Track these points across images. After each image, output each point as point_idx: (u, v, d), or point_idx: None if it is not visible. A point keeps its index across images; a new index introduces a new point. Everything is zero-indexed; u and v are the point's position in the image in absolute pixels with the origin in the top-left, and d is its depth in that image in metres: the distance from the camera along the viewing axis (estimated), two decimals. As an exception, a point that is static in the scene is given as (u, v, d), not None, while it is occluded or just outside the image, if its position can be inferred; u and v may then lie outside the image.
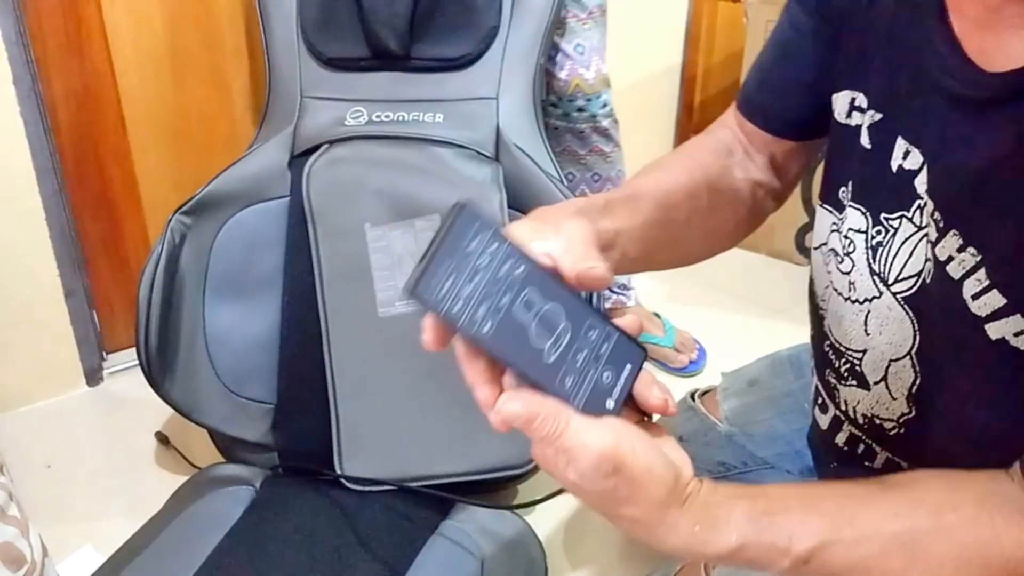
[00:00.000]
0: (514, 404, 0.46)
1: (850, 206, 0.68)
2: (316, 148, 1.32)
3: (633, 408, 0.52)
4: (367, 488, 1.23)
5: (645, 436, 0.49)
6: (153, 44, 1.61)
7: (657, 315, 1.81)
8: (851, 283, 0.68)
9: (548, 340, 0.47)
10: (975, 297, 0.55)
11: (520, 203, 1.28)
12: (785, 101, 0.77)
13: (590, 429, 0.46)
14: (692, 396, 1.07)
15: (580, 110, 1.52)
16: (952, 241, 0.57)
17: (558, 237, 0.51)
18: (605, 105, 1.54)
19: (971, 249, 0.55)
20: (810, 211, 2.20)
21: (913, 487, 0.55)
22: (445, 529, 1.19)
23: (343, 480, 1.24)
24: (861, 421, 0.71)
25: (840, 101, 0.69)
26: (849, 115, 0.68)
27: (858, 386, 0.70)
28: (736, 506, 0.51)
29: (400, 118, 1.33)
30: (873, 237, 0.65)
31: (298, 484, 1.26)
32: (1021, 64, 0.52)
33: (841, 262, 0.70)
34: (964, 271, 0.56)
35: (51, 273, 1.57)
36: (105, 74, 1.58)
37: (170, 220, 1.27)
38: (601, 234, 0.61)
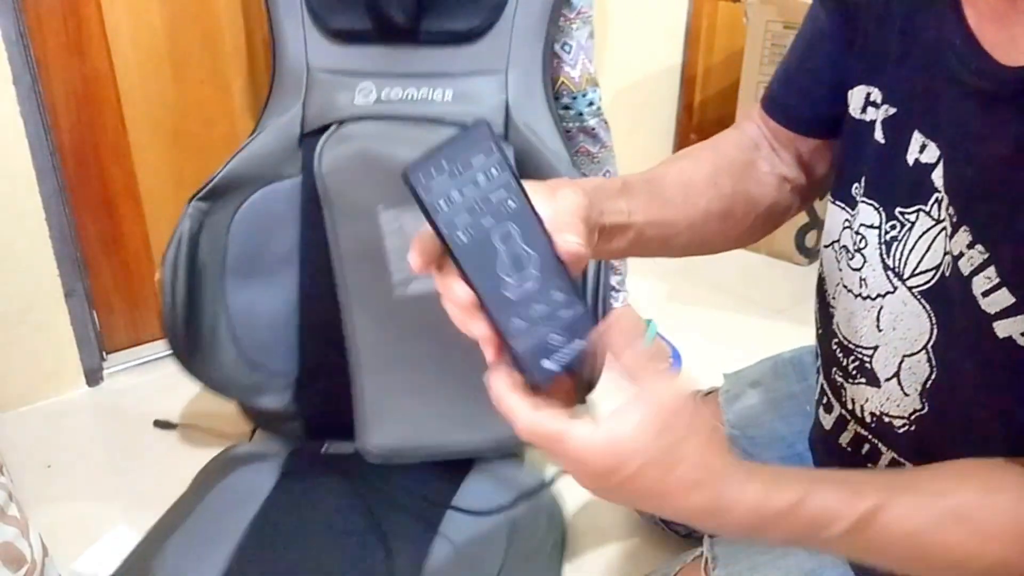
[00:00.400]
0: (519, 412, 0.47)
1: (863, 202, 0.67)
2: (326, 128, 1.32)
3: (573, 389, 0.51)
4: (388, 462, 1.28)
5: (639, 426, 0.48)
6: (153, 44, 1.61)
7: (648, 321, 1.81)
8: (862, 279, 0.67)
9: (513, 277, 0.47)
10: (985, 294, 0.55)
11: None
12: (806, 99, 0.76)
13: (588, 442, 0.47)
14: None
15: (566, 108, 1.51)
16: (963, 237, 0.56)
17: (548, 203, 0.52)
18: (592, 104, 1.53)
19: (979, 247, 0.55)
20: (810, 211, 2.20)
21: (957, 469, 0.56)
22: (468, 487, 1.27)
23: (365, 453, 1.28)
24: (868, 420, 0.70)
25: (855, 97, 0.69)
26: (864, 110, 0.68)
27: (867, 383, 0.69)
28: (782, 467, 0.53)
29: (409, 96, 1.32)
30: (887, 232, 0.65)
31: (321, 459, 1.33)
32: None
33: (852, 258, 0.69)
34: (972, 268, 0.56)
35: (51, 273, 1.57)
36: (105, 74, 1.58)
37: (188, 206, 1.29)
38: (611, 214, 0.61)
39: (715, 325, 1.93)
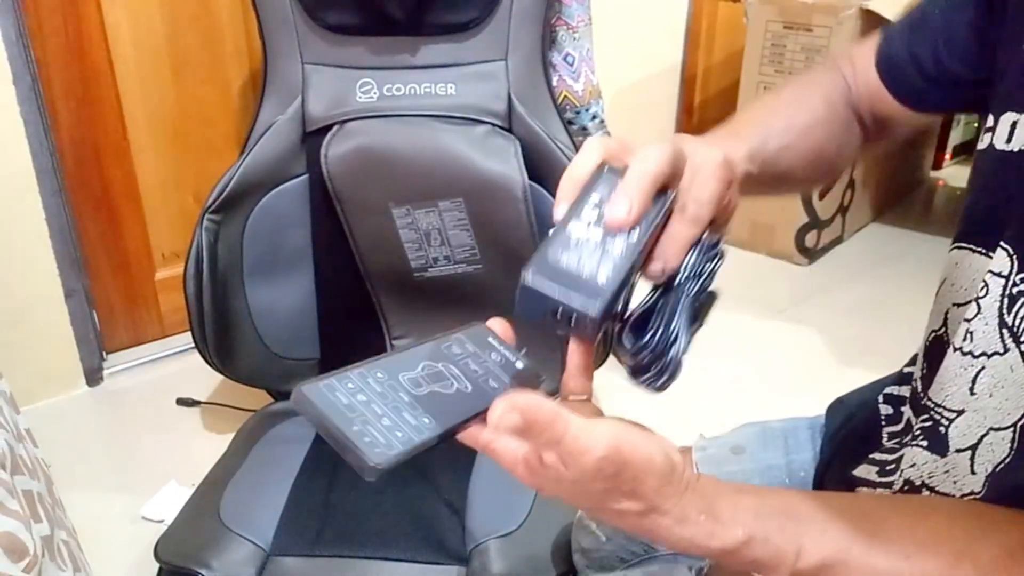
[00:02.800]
0: (512, 415, 0.44)
1: (1001, 247, 0.58)
2: (329, 127, 1.33)
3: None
4: None
5: (638, 427, 0.47)
6: (153, 44, 1.61)
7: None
8: (969, 332, 0.59)
9: (452, 384, 0.48)
10: None
11: (535, 174, 1.31)
12: (936, 78, 0.69)
13: (591, 431, 0.45)
14: None
15: (570, 122, 1.49)
16: None
17: (691, 160, 0.53)
18: (595, 117, 1.52)
19: None
20: (810, 211, 2.20)
21: (938, 517, 0.53)
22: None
23: None
24: (901, 486, 0.63)
25: (1002, 126, 0.60)
26: (1009, 140, 0.59)
27: (928, 449, 0.61)
28: (741, 500, 0.50)
29: (412, 91, 1.33)
30: (1015, 284, 0.56)
31: None
32: None
33: (965, 306, 0.60)
34: None
35: (51, 273, 1.57)
36: (105, 74, 1.58)
37: (201, 220, 1.31)
38: (739, 163, 0.61)
39: (715, 325, 1.92)
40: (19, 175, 1.49)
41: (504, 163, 1.29)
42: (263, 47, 1.36)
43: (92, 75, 1.57)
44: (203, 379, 1.67)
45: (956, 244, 0.64)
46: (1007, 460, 0.55)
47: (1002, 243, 0.57)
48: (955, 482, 0.59)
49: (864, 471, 0.70)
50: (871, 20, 1.98)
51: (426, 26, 1.31)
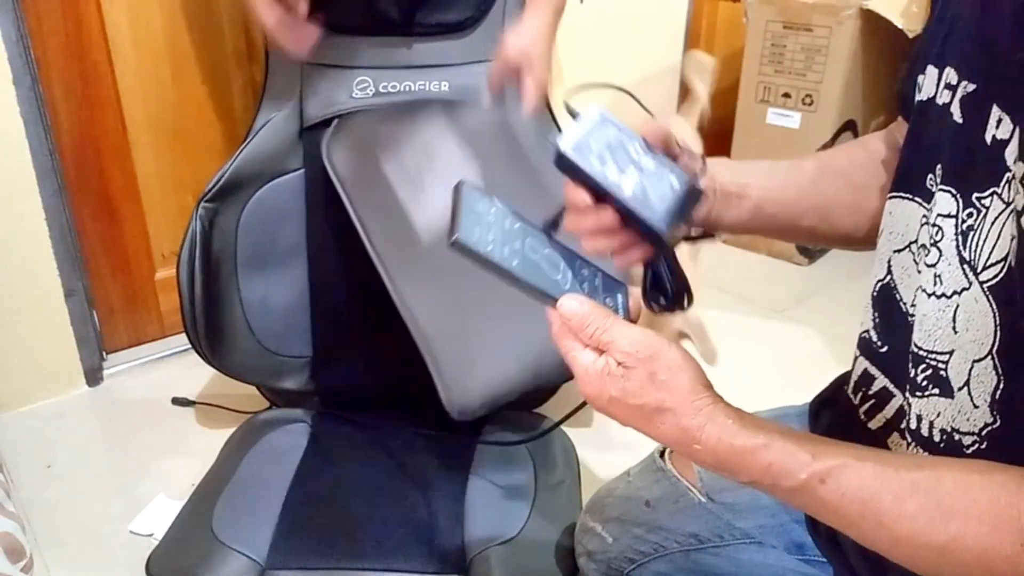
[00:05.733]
0: (573, 301, 0.58)
1: (940, 190, 0.62)
2: (325, 122, 1.34)
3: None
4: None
5: (676, 343, 0.57)
6: (153, 44, 1.61)
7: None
8: (937, 276, 0.62)
9: (557, 273, 0.61)
10: None
11: None
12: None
13: (631, 325, 0.57)
14: (661, 454, 0.95)
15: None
16: None
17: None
18: None
19: None
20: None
21: (945, 458, 0.56)
22: (488, 435, 1.35)
23: (460, 413, 1.25)
24: (938, 439, 0.63)
25: (928, 80, 0.65)
26: (937, 93, 0.64)
27: (940, 394, 0.63)
28: (762, 417, 0.57)
29: (407, 88, 1.35)
30: (964, 221, 0.60)
31: (346, 418, 1.41)
32: None
33: (927, 254, 0.63)
34: None
35: (51, 273, 1.57)
36: (105, 74, 1.58)
37: (197, 207, 1.32)
38: (725, 174, 0.70)
39: (715, 325, 1.93)
40: (19, 175, 1.49)
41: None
42: (265, 49, 1.38)
43: (92, 75, 1.57)
44: (203, 379, 1.67)
45: (890, 195, 0.69)
46: (1001, 386, 0.58)
47: (941, 186, 0.62)
48: (968, 419, 0.61)
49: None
50: (871, 20, 1.98)
51: (421, 26, 1.33)
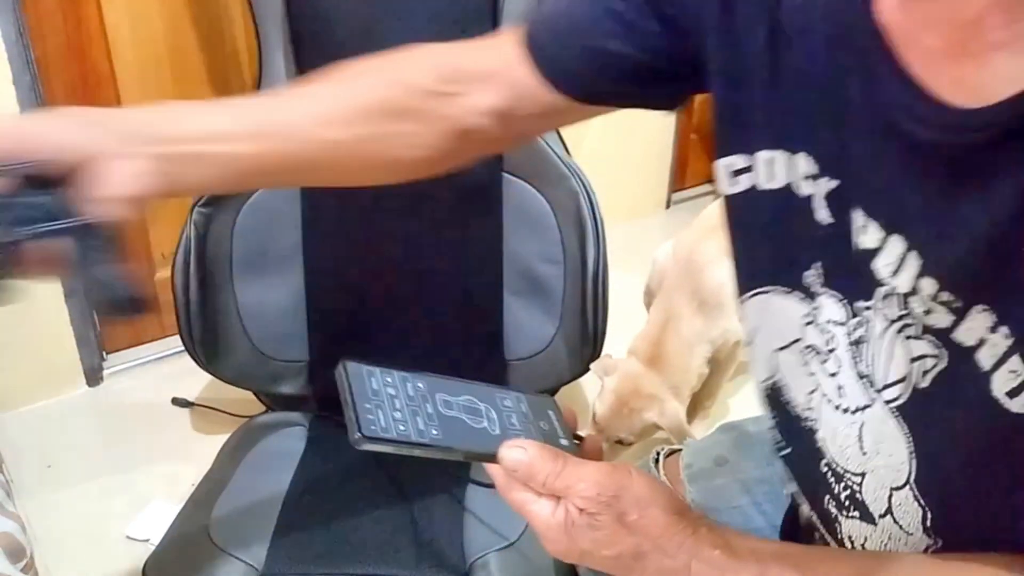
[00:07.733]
0: (514, 451, 0.49)
1: (826, 293, 0.55)
2: None
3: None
4: None
5: (639, 470, 0.50)
6: (153, 44, 1.61)
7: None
8: (839, 387, 0.56)
9: (483, 421, 0.53)
10: (1013, 394, 0.44)
11: (521, 170, 1.33)
12: (591, 62, 0.62)
13: (585, 464, 0.49)
14: (655, 460, 0.91)
15: None
16: (981, 319, 0.45)
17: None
18: None
19: (1005, 329, 0.44)
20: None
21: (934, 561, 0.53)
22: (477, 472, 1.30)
23: None
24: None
25: (777, 166, 0.55)
26: (795, 183, 0.55)
27: (861, 519, 0.58)
28: (749, 538, 0.52)
29: None
30: (853, 330, 0.54)
31: (343, 422, 1.36)
32: (1018, 89, 0.41)
33: (825, 361, 0.57)
34: (996, 358, 0.44)
35: (51, 273, 1.57)
36: (105, 74, 1.58)
37: (191, 213, 1.32)
38: (182, 141, 0.57)
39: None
40: (19, 175, 1.49)
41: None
42: (259, 52, 1.37)
43: (92, 75, 1.57)
44: (203, 380, 1.67)
45: (755, 292, 0.60)
46: (929, 516, 0.52)
47: (826, 288, 0.55)
48: (905, 544, 0.55)
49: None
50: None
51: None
